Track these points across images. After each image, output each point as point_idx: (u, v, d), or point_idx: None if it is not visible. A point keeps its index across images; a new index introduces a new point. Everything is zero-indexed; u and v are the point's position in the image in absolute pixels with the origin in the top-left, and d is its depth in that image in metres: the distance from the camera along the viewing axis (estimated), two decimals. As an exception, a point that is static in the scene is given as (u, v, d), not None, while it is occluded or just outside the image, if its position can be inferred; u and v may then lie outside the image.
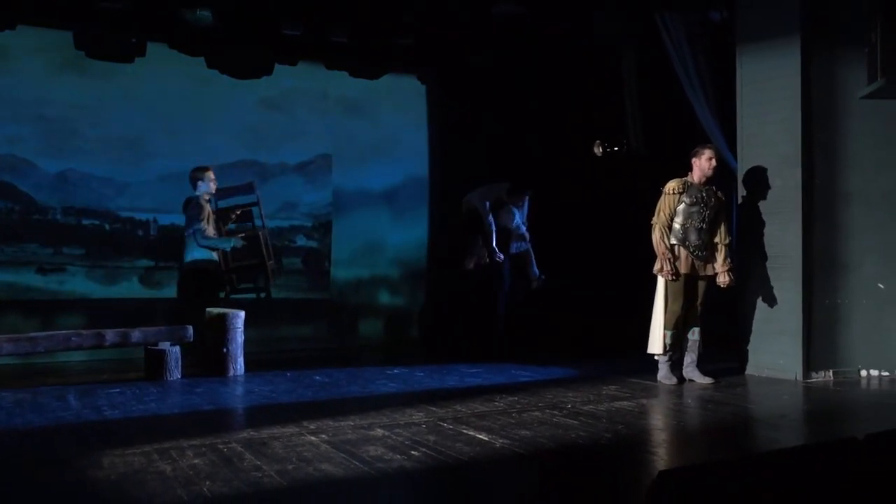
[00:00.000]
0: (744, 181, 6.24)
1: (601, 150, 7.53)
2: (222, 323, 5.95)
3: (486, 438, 3.97)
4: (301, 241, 7.99)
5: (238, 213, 7.03)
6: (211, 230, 6.48)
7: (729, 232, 5.77)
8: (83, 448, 3.79)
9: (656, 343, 5.73)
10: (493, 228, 7.15)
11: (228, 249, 6.65)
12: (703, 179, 5.69)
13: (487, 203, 7.16)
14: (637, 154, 7.47)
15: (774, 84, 6.00)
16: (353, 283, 8.18)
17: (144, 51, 7.20)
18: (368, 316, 8.24)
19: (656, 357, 5.78)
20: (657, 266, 5.64)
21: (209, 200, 6.62)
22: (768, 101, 6.00)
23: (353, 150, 8.15)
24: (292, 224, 7.95)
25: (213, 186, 6.56)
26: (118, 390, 5.26)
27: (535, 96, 8.15)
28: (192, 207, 6.51)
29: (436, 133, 8.48)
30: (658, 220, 5.65)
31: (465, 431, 4.12)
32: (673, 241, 5.64)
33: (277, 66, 7.72)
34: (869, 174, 6.03)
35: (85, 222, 7.16)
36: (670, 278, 5.59)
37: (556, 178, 7.98)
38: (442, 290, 8.16)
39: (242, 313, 6.06)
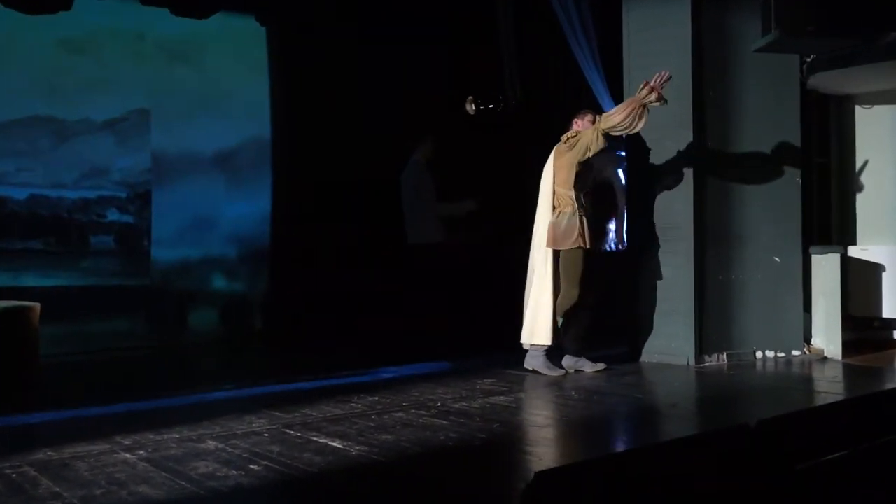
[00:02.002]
0: (632, 145, 6.49)
1: (474, 107, 7.60)
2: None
3: (339, 446, 3.97)
4: (113, 215, 7.66)
5: None
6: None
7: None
8: None
9: (542, 332, 5.78)
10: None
11: None
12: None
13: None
14: (516, 112, 7.60)
15: (663, 33, 6.26)
16: (179, 266, 7.92)
17: None
18: (199, 305, 8.02)
19: (529, 346, 5.86)
20: (627, 112, 5.58)
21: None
22: (657, 53, 6.24)
23: (176, 104, 7.84)
24: (101, 195, 7.59)
25: None
26: None
27: (399, 45, 8.13)
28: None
29: (279, 85, 8.29)
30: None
31: (315, 439, 4.09)
32: (580, 210, 5.72)
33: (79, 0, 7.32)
34: (764, 135, 6.43)
35: None
36: (654, 98, 5.56)
37: (426, 135, 8.02)
38: (290, 271, 8.05)
39: (37, 306, 5.74)
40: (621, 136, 5.85)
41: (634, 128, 5.66)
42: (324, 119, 7.94)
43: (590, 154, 5.72)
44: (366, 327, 7.38)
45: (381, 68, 8.09)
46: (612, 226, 6.57)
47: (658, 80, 5.59)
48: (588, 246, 5.73)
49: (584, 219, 5.75)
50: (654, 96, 5.58)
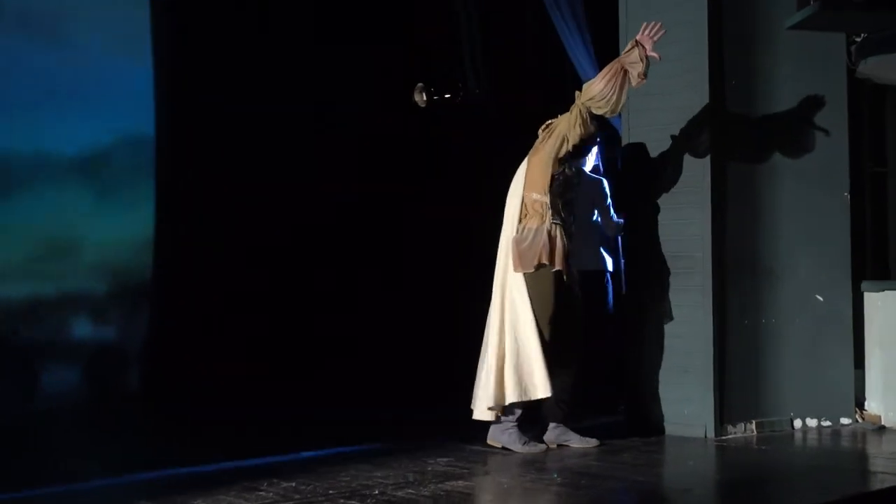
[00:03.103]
0: (630, 147, 6.52)
1: (425, 98, 7.60)
2: None
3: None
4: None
5: None
6: None
7: None
8: None
9: (533, 383, 5.66)
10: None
11: None
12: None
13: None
14: (478, 104, 7.62)
15: (672, 6, 6.29)
16: (24, 307, 7.78)
17: None
18: (54, 362, 7.87)
19: (491, 417, 5.80)
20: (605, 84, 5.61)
21: None
22: (666, 27, 6.27)
23: (23, 90, 7.72)
24: None
25: None
26: None
27: (328, 22, 8.12)
28: None
29: (167, 71, 8.23)
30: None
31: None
32: (557, 219, 5.76)
33: None
34: (801, 137, 6.49)
35: None
36: (641, 57, 5.58)
37: (362, 140, 8.00)
38: (180, 312, 7.96)
39: None
40: (608, 117, 5.89)
41: (619, 101, 5.68)
42: (225, 114, 7.87)
43: (570, 145, 5.73)
44: (283, 387, 7.30)
45: (302, 49, 8.06)
46: (595, 237, 6.64)
47: (647, 31, 5.63)
48: (559, 266, 5.71)
49: (560, 231, 5.75)
50: (637, 53, 5.60)
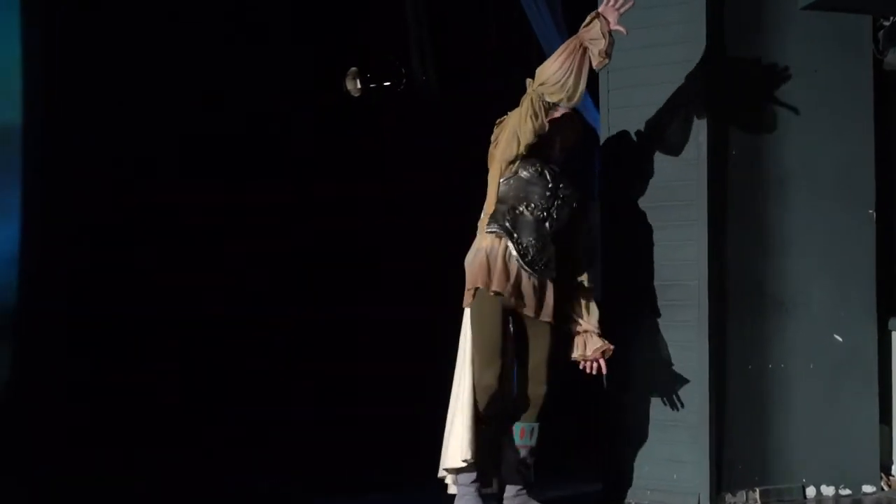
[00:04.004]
0: (609, 149, 6.58)
1: (359, 85, 7.64)
2: None
3: None
4: None
5: None
6: None
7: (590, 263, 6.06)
8: None
9: (453, 449, 5.76)
10: None
11: None
12: (556, 152, 5.97)
13: None
14: (424, 93, 7.68)
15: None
16: None
17: None
18: None
19: (449, 479, 5.89)
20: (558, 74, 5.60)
21: None
22: (651, 8, 6.31)
23: None
24: None
25: None
26: None
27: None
28: None
29: (40, 49, 8.19)
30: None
31: None
32: (494, 227, 5.81)
33: None
34: (817, 140, 6.55)
35: None
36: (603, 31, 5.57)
37: (283, 138, 8.02)
38: (55, 354, 7.90)
39: None
40: (567, 107, 5.86)
41: (577, 87, 5.63)
42: (114, 102, 7.85)
43: (522, 146, 5.73)
44: (193, 453, 7.29)
45: (207, 26, 8.07)
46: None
47: (611, 1, 5.65)
48: (496, 287, 5.71)
49: (505, 246, 5.76)
50: (599, 27, 5.58)
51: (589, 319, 5.95)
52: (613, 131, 6.54)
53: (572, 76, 5.58)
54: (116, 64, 7.98)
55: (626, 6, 5.65)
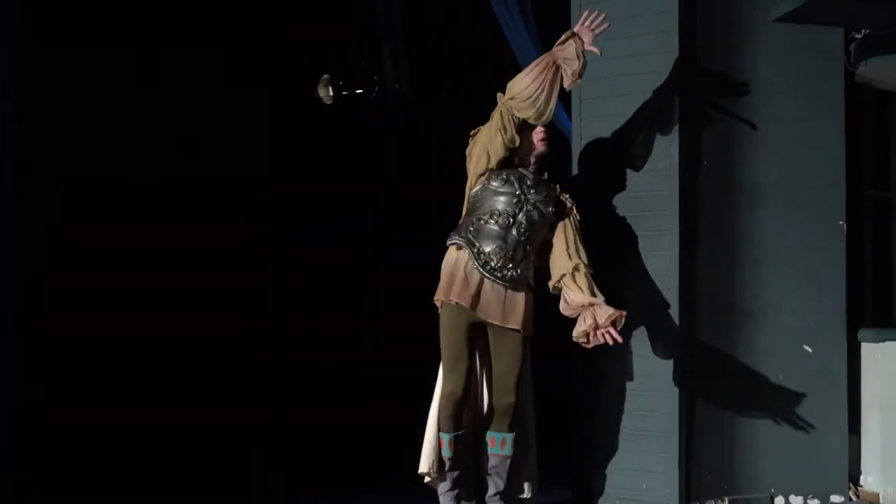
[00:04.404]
0: (581, 160, 6.60)
1: (331, 92, 7.65)
2: None
3: None
4: None
5: None
6: None
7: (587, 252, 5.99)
8: None
9: (424, 454, 5.91)
10: None
11: None
12: (530, 160, 5.93)
13: None
14: (398, 100, 7.68)
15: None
16: None
17: None
18: None
19: (427, 481, 5.98)
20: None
21: None
22: (625, 19, 6.34)
23: None
24: None
25: None
26: None
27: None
28: None
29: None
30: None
31: None
32: (455, 238, 5.83)
33: None
34: (789, 152, 6.58)
35: None
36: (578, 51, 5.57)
37: (251, 145, 8.04)
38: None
39: None
40: (537, 123, 5.84)
41: (548, 104, 5.61)
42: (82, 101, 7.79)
43: (494, 156, 5.74)
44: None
45: (175, 24, 8.03)
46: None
47: (588, 21, 5.64)
48: (454, 297, 5.74)
49: (467, 258, 5.77)
50: (574, 48, 5.57)
51: (595, 295, 5.78)
52: (586, 141, 6.55)
53: (543, 93, 5.58)
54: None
55: (602, 28, 5.67)
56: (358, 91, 7.63)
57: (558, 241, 5.93)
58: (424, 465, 5.89)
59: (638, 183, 6.39)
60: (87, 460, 7.15)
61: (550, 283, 5.88)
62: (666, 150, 6.34)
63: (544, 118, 5.70)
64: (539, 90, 5.56)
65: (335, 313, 8.16)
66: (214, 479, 7.18)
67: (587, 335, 5.68)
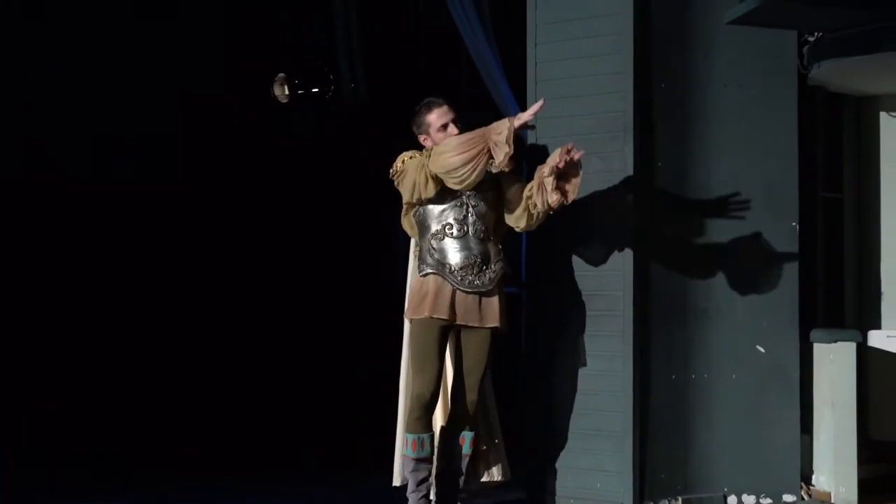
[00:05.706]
0: (534, 161, 6.51)
1: (287, 91, 7.64)
2: None
3: None
4: None
5: None
6: None
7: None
8: None
9: (397, 469, 6.07)
10: None
11: None
12: None
13: None
14: (354, 100, 7.68)
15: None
16: None
17: None
18: None
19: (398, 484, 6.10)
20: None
21: None
22: (580, 20, 6.42)
23: None
24: None
25: None
26: None
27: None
28: None
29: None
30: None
31: None
32: (426, 269, 5.89)
33: None
34: (741, 155, 6.64)
35: None
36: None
37: (208, 145, 8.03)
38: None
39: None
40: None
41: (474, 179, 5.67)
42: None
43: (426, 196, 5.81)
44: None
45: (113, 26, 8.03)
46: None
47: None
48: (434, 313, 5.81)
49: (447, 278, 5.83)
50: (506, 134, 5.57)
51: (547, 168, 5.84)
52: (541, 142, 6.56)
53: (473, 174, 5.64)
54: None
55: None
56: (314, 90, 7.62)
57: (509, 187, 6.02)
58: (398, 479, 6.07)
59: (593, 183, 6.39)
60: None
61: (525, 214, 5.95)
62: (620, 151, 6.36)
63: (467, 186, 5.76)
64: (469, 170, 5.62)
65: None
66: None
67: (560, 192, 5.79)
